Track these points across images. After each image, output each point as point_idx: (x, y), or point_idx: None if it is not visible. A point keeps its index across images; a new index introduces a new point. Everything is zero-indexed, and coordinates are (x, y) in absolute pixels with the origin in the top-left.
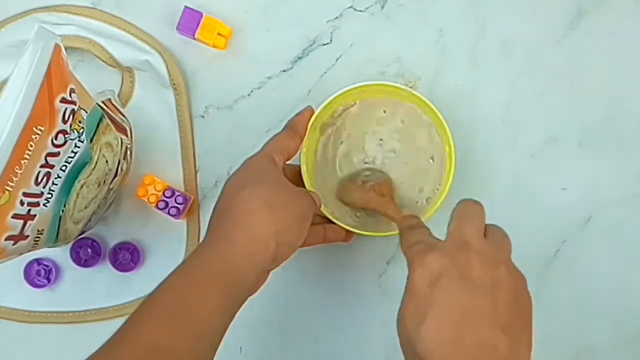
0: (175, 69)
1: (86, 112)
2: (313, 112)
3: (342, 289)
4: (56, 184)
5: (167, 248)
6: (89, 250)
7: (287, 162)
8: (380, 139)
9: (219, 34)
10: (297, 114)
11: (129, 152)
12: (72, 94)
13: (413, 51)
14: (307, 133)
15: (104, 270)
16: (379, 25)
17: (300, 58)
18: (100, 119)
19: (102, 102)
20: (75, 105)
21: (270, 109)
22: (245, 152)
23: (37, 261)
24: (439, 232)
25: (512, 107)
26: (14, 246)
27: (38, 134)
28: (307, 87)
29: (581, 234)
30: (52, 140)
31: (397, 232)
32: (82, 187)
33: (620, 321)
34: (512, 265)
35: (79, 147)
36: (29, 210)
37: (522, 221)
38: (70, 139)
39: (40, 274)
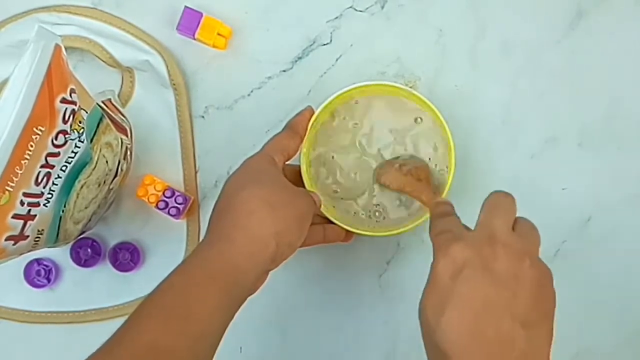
0: (175, 69)
1: (86, 112)
2: (313, 112)
3: (342, 289)
4: (56, 184)
5: (167, 248)
6: (89, 250)
7: (287, 162)
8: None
9: (219, 34)
10: (297, 114)
11: (129, 152)
12: (73, 94)
13: (413, 51)
14: (307, 133)
15: (104, 270)
16: (379, 25)
17: (300, 58)
18: (100, 119)
19: (102, 102)
20: (76, 105)
21: (270, 109)
22: (245, 152)
23: (37, 261)
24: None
25: (512, 107)
26: (14, 246)
27: (38, 134)
28: (307, 87)
29: (581, 234)
30: (52, 141)
31: (397, 232)
32: (82, 187)
33: (620, 321)
34: (537, 259)
35: (79, 147)
36: (29, 210)
37: None
38: (71, 139)
39: (40, 274)
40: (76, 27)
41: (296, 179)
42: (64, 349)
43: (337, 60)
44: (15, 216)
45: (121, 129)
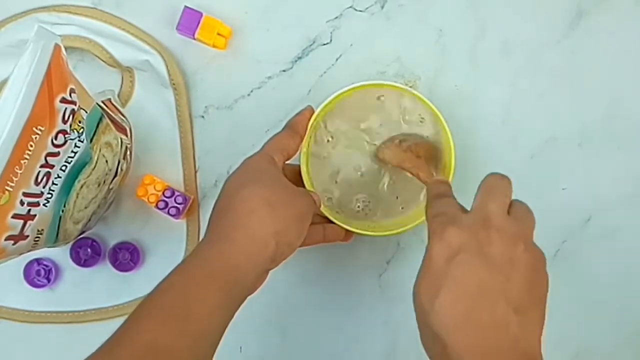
0: (175, 69)
1: (86, 112)
2: (313, 112)
3: (342, 289)
4: (56, 184)
5: (167, 248)
6: (89, 250)
7: (287, 162)
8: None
9: (218, 34)
10: (297, 114)
11: (128, 152)
12: (72, 94)
13: (413, 51)
14: (307, 133)
15: (104, 270)
16: (379, 25)
17: (300, 58)
18: (100, 119)
19: (102, 102)
20: (75, 105)
21: (270, 109)
22: (245, 152)
23: (37, 261)
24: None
25: (512, 107)
26: (14, 246)
27: (38, 134)
28: (307, 87)
29: (581, 234)
30: (52, 140)
31: (397, 232)
32: (82, 187)
33: (620, 321)
34: (531, 243)
35: (78, 147)
36: (29, 210)
37: None
38: (70, 139)
39: (40, 274)
40: (76, 27)
41: (296, 178)
42: (64, 349)
43: (337, 60)
44: (15, 216)
45: (121, 129)
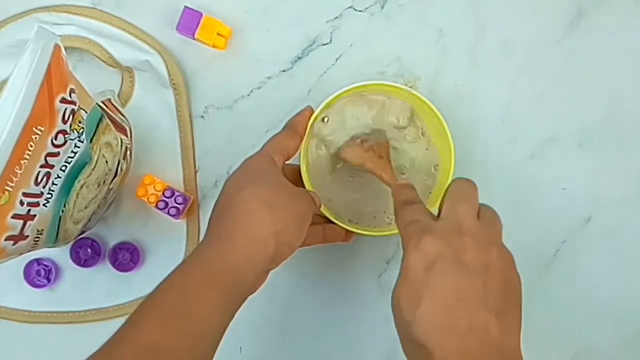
0: (175, 69)
1: (86, 112)
2: (313, 112)
3: (342, 289)
4: (56, 184)
5: (167, 248)
6: (89, 250)
7: (286, 162)
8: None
9: (218, 34)
10: (297, 114)
11: (128, 152)
12: (72, 94)
13: (413, 51)
14: (306, 133)
15: (104, 270)
16: (379, 25)
17: (300, 58)
18: (100, 119)
19: (102, 102)
20: (75, 105)
21: (270, 109)
22: (245, 152)
23: (37, 261)
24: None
25: (512, 107)
26: (14, 246)
27: (38, 134)
28: (307, 87)
29: (581, 234)
30: (52, 140)
31: (397, 232)
32: (82, 187)
33: (620, 321)
34: (502, 247)
35: (78, 147)
36: (29, 210)
37: (522, 221)
38: (70, 139)
39: (40, 274)
40: (76, 27)
41: (296, 178)
42: (64, 349)
43: (337, 60)
44: (15, 216)
45: (121, 129)
